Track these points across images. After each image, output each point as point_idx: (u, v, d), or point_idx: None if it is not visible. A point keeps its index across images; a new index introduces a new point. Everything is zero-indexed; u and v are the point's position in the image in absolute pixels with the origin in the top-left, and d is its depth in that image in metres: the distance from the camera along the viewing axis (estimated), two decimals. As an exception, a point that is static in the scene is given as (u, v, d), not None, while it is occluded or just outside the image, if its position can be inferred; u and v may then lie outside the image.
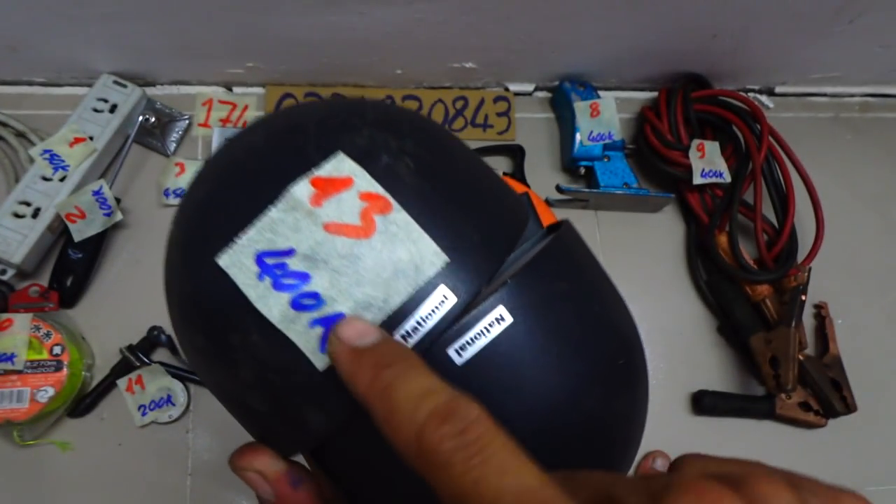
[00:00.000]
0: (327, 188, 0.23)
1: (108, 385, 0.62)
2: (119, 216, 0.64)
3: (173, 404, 0.62)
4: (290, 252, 0.23)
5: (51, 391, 0.58)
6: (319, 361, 0.23)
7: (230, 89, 0.74)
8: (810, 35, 0.69)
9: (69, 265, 0.63)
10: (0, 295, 0.61)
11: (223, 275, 0.23)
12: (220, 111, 0.72)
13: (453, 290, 0.23)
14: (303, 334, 0.23)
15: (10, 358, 0.58)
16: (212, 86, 0.74)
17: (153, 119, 0.68)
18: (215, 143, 0.67)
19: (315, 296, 0.23)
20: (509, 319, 0.23)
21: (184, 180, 0.68)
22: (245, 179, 0.25)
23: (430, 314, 0.23)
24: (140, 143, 0.70)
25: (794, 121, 0.81)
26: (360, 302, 0.23)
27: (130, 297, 0.66)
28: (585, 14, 0.63)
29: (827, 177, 0.73)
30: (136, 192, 0.69)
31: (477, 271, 0.24)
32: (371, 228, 0.23)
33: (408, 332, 0.23)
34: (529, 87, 0.77)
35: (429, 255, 0.23)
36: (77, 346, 0.61)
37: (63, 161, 0.63)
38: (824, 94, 0.83)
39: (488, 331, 0.23)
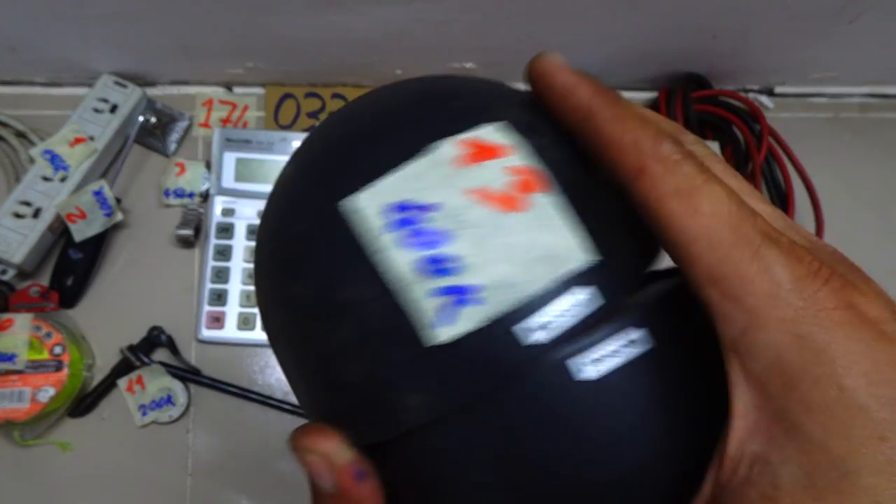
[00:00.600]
0: (479, 154, 0.21)
1: (108, 385, 0.62)
2: (119, 216, 0.64)
3: (173, 404, 0.62)
4: (429, 207, 0.20)
5: (51, 391, 0.58)
6: (430, 336, 0.19)
7: (230, 89, 0.74)
8: (810, 35, 0.69)
9: (69, 265, 0.63)
10: (0, 295, 0.61)
11: (347, 219, 0.21)
12: (221, 111, 0.72)
13: (595, 294, 0.20)
14: (421, 301, 0.20)
15: (10, 358, 0.58)
16: (212, 86, 0.74)
17: (153, 119, 0.68)
18: (215, 144, 0.67)
19: (452, 259, 0.20)
20: (649, 345, 0.20)
21: (184, 180, 0.68)
22: (388, 127, 0.23)
23: (566, 311, 0.19)
24: (140, 143, 0.70)
25: (794, 121, 0.81)
26: (497, 279, 0.19)
27: (131, 297, 0.66)
28: (585, 14, 0.63)
29: (827, 177, 0.73)
30: (136, 193, 0.69)
31: (622, 281, 0.21)
32: (520, 205, 0.20)
33: (541, 325, 0.19)
34: (529, 88, 0.77)
35: (577, 248, 0.20)
36: (77, 346, 0.61)
37: (63, 161, 0.63)
38: (824, 94, 0.83)
39: (625, 350, 0.19)
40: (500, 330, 0.19)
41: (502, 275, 0.19)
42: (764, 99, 0.81)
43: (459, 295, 0.19)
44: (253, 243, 0.66)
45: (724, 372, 0.18)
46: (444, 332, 0.19)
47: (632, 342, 0.19)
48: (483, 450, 0.20)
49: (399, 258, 0.20)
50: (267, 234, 0.25)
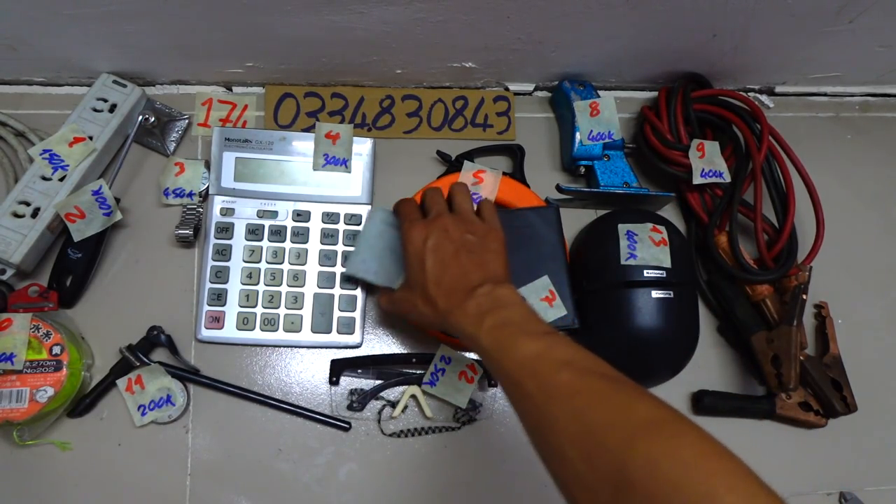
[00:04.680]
0: None
1: (107, 385, 0.62)
2: (118, 216, 0.64)
3: (173, 404, 0.62)
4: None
5: (50, 391, 0.58)
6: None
7: (230, 89, 0.74)
8: (810, 35, 0.69)
9: (69, 265, 0.63)
10: (0, 294, 0.61)
11: None
12: (220, 111, 0.72)
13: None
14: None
15: (9, 358, 0.58)
16: (211, 85, 0.74)
17: (153, 119, 0.68)
18: (215, 143, 0.67)
19: None
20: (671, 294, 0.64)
21: (183, 180, 0.68)
22: None
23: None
24: (140, 142, 0.70)
25: (794, 120, 0.81)
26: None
27: (130, 297, 0.66)
28: (585, 14, 0.63)
29: (827, 177, 0.73)
30: (135, 192, 0.69)
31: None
32: None
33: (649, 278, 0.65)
34: (529, 87, 0.77)
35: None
36: (76, 346, 0.61)
37: (62, 161, 0.63)
38: (824, 94, 0.83)
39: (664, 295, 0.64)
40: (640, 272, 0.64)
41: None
42: (764, 98, 0.81)
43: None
44: (252, 243, 0.66)
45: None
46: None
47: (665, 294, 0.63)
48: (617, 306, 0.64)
49: None
50: None
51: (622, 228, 0.65)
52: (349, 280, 0.66)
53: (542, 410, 0.39)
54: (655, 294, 0.63)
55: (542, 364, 0.41)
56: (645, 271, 0.63)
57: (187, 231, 0.65)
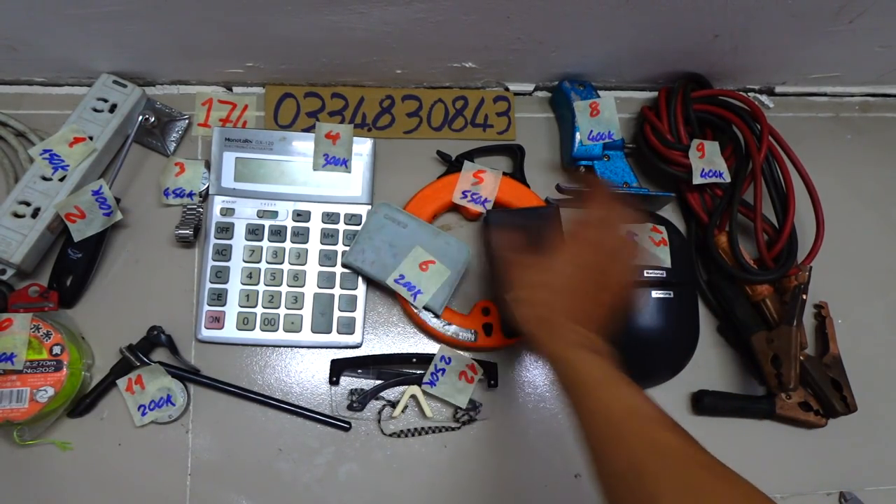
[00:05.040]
0: None
1: (107, 385, 0.62)
2: (119, 216, 0.64)
3: (173, 404, 0.62)
4: None
5: (50, 391, 0.58)
6: None
7: (230, 89, 0.74)
8: (810, 35, 0.69)
9: (69, 265, 0.63)
10: (0, 295, 0.61)
11: None
12: (220, 111, 0.72)
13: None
14: None
15: (9, 358, 0.58)
16: (212, 85, 0.74)
17: (153, 119, 0.68)
18: (215, 143, 0.67)
19: None
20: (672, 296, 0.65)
21: (183, 180, 0.68)
22: None
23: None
24: (140, 142, 0.70)
25: (794, 121, 0.81)
26: None
27: (130, 296, 0.66)
28: (585, 14, 0.63)
29: (827, 177, 0.73)
30: (135, 192, 0.69)
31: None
32: None
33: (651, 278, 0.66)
34: (529, 87, 0.77)
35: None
36: (77, 346, 0.61)
37: (63, 161, 0.63)
38: (824, 94, 0.83)
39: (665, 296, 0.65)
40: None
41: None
42: (764, 99, 0.81)
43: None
44: (252, 243, 0.66)
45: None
46: None
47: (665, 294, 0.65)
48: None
49: None
50: None
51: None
52: (348, 269, 0.67)
53: (636, 457, 0.40)
54: (655, 294, 0.63)
55: (642, 413, 0.43)
56: (645, 271, 0.63)
57: (187, 231, 0.65)
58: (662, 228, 0.65)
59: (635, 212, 0.58)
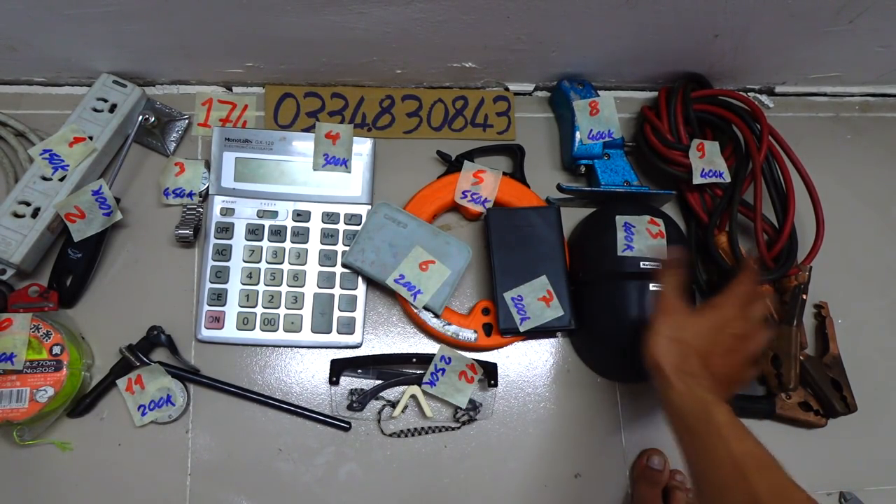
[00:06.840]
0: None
1: (107, 385, 0.62)
2: (119, 216, 0.64)
3: (173, 404, 0.62)
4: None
5: (50, 391, 0.58)
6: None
7: (230, 89, 0.74)
8: (810, 35, 0.69)
9: (69, 265, 0.63)
10: (0, 295, 0.61)
11: None
12: (220, 111, 0.72)
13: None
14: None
15: (9, 358, 0.58)
16: (211, 85, 0.74)
17: (153, 119, 0.68)
18: (215, 143, 0.67)
19: None
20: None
21: (183, 180, 0.68)
22: None
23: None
24: (140, 142, 0.70)
25: (794, 121, 0.81)
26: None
27: (130, 296, 0.66)
28: (585, 14, 0.63)
29: (827, 177, 0.73)
30: (135, 192, 0.69)
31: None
32: None
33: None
34: (529, 87, 0.77)
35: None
36: (76, 346, 0.61)
37: (62, 161, 0.63)
38: (824, 94, 0.83)
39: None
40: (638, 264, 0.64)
41: None
42: (764, 98, 0.81)
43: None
44: (252, 243, 0.66)
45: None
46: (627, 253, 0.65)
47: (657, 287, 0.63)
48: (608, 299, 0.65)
49: None
50: None
51: (619, 220, 0.65)
52: (349, 268, 0.67)
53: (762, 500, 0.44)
54: (653, 287, 0.62)
55: (765, 460, 0.47)
56: (641, 263, 0.63)
57: (187, 231, 0.65)
58: (660, 221, 0.65)
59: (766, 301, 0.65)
